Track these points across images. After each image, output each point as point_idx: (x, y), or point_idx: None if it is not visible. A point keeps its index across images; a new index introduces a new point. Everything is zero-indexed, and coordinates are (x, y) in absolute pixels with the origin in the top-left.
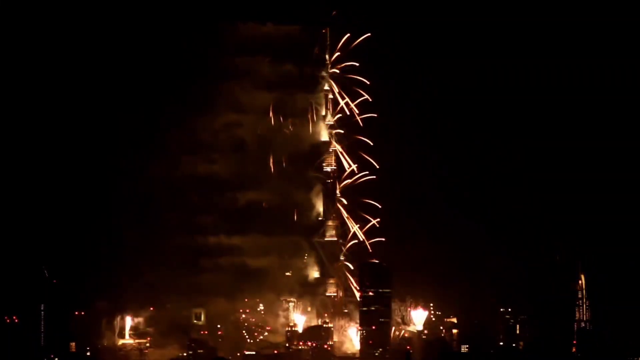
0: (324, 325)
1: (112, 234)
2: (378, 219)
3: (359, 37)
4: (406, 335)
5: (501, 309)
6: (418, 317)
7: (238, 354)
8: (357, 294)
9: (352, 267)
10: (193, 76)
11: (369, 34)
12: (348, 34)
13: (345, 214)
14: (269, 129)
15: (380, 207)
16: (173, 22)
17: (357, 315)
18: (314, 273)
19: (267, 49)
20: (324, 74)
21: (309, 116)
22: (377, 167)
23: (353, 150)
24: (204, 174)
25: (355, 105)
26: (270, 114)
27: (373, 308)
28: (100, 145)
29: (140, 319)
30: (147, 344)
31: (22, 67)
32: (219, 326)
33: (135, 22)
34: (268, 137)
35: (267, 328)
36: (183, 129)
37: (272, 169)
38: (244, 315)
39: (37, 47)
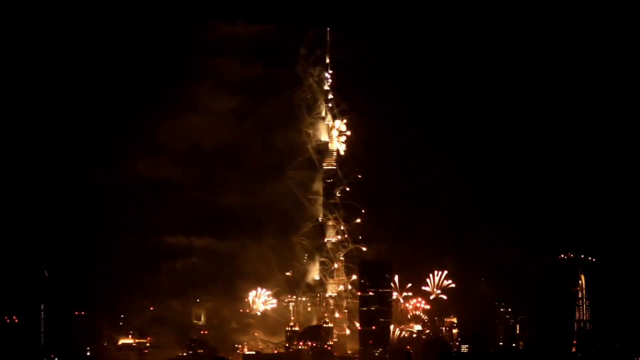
0: (324, 325)
1: (105, 236)
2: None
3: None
4: (406, 335)
5: (501, 309)
6: None
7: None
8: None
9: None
10: (162, 76)
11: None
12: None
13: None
14: (242, 133)
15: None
16: (140, 19)
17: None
18: (315, 274)
19: (237, 49)
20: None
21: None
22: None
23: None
24: (176, 177)
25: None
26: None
27: (373, 308)
28: (81, 147)
29: (140, 319)
30: (147, 344)
31: None
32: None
33: (98, 19)
34: (241, 140)
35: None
36: (156, 132)
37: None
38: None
39: None
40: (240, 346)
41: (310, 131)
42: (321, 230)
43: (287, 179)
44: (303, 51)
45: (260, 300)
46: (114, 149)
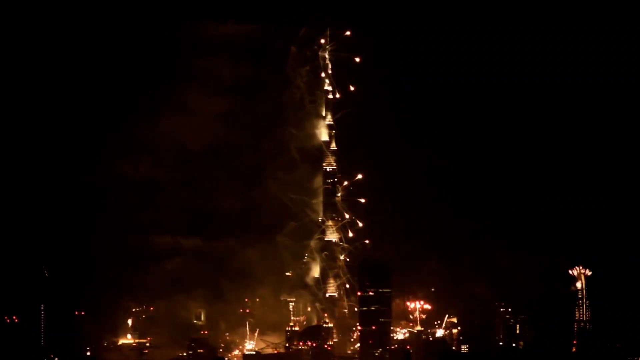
0: (324, 325)
1: (104, 237)
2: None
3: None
4: (406, 335)
5: (501, 309)
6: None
7: None
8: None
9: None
10: (151, 77)
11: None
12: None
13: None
14: (231, 133)
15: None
16: (129, 19)
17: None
18: (315, 273)
19: (227, 50)
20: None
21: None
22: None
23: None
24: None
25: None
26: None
27: (373, 308)
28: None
29: (140, 319)
30: (147, 344)
31: None
32: None
33: (86, 20)
34: (231, 141)
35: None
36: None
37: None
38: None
39: None
40: (221, 350)
41: (295, 131)
42: (307, 230)
43: (271, 179)
44: (294, 50)
45: (259, 300)
46: (109, 150)
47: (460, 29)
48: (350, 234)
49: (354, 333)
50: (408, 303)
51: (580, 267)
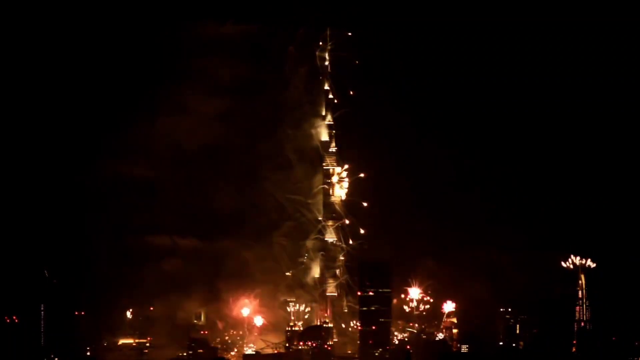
0: (324, 325)
1: (104, 237)
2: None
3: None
4: (406, 335)
5: (501, 309)
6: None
7: None
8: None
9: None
10: (149, 77)
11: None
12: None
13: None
14: (229, 134)
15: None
16: (127, 20)
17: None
18: (315, 273)
19: (227, 50)
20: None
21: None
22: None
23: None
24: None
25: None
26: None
27: (373, 308)
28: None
29: (139, 319)
30: (147, 344)
31: None
32: None
33: (84, 21)
34: (229, 141)
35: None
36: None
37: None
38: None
39: None
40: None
41: (291, 132)
42: (303, 230)
43: (269, 180)
44: (292, 51)
45: (258, 300)
46: (108, 151)
47: (460, 29)
48: (351, 241)
49: (348, 326)
50: (404, 296)
51: (579, 258)
